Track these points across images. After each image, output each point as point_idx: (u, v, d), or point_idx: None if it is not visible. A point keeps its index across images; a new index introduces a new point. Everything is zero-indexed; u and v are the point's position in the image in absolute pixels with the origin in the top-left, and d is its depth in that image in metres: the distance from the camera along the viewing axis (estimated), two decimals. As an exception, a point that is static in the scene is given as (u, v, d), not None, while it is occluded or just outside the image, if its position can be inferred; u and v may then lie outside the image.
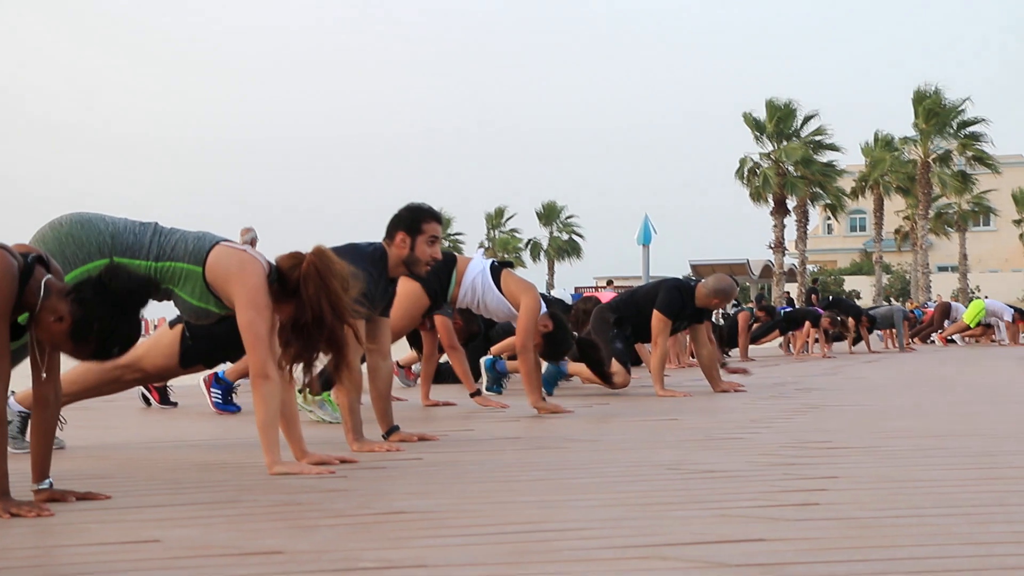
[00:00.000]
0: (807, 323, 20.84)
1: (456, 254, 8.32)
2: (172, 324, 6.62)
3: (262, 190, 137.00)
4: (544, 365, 10.43)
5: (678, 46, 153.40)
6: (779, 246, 57.92)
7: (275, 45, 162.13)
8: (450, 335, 8.78)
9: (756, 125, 57.90)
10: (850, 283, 74.61)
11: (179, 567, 3.19)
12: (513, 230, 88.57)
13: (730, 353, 18.98)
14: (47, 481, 4.33)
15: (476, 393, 8.81)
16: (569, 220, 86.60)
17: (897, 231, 69.28)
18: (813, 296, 35.62)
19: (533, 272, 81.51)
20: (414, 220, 6.45)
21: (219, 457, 5.86)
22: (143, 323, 4.30)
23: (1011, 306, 28.52)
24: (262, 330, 5.03)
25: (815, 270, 74.32)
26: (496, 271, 8.11)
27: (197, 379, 8.48)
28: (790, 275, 59.50)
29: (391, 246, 6.38)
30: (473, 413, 8.56)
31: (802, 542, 3.45)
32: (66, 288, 4.12)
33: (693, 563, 3.15)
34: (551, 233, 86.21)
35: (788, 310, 23.30)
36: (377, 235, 6.49)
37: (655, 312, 10.38)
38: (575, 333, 9.26)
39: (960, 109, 58.72)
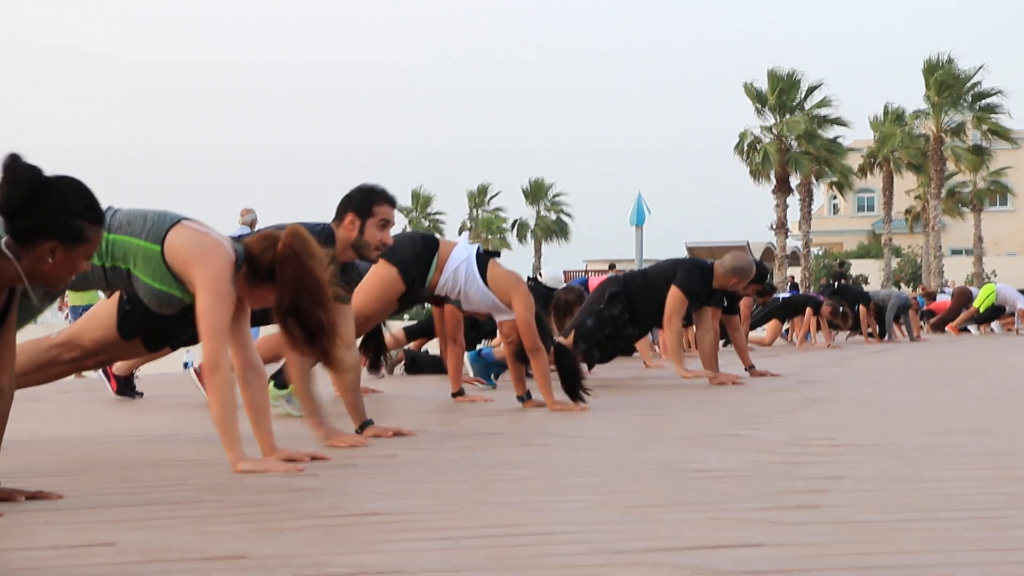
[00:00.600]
0: (808, 310, 20.86)
1: (439, 238, 8.30)
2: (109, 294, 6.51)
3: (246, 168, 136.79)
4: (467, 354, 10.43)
5: (673, 9, 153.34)
6: (781, 227, 57.88)
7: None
8: (456, 328, 8.71)
9: (757, 96, 57.82)
10: (857, 267, 74.59)
11: (135, 572, 3.19)
12: (497, 209, 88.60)
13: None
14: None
15: (459, 393, 8.79)
16: (557, 198, 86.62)
17: (908, 211, 69.35)
18: (842, 280, 35.58)
19: (519, 254, 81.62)
20: (365, 201, 6.46)
21: (180, 454, 5.86)
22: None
23: None
24: (219, 319, 5.01)
25: (820, 253, 74.48)
26: (482, 260, 8.09)
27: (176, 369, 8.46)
28: (793, 258, 59.54)
29: (339, 227, 6.39)
30: (452, 407, 8.57)
31: (802, 547, 3.46)
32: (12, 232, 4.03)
33: (685, 569, 3.16)
34: (538, 212, 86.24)
35: (787, 296, 23.27)
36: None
37: (674, 288, 10.37)
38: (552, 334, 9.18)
39: (975, 80, 58.72)
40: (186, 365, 22.21)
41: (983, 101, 58.76)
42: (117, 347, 6.35)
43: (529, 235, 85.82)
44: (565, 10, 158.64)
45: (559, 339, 9.24)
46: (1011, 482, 4.81)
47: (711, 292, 10.67)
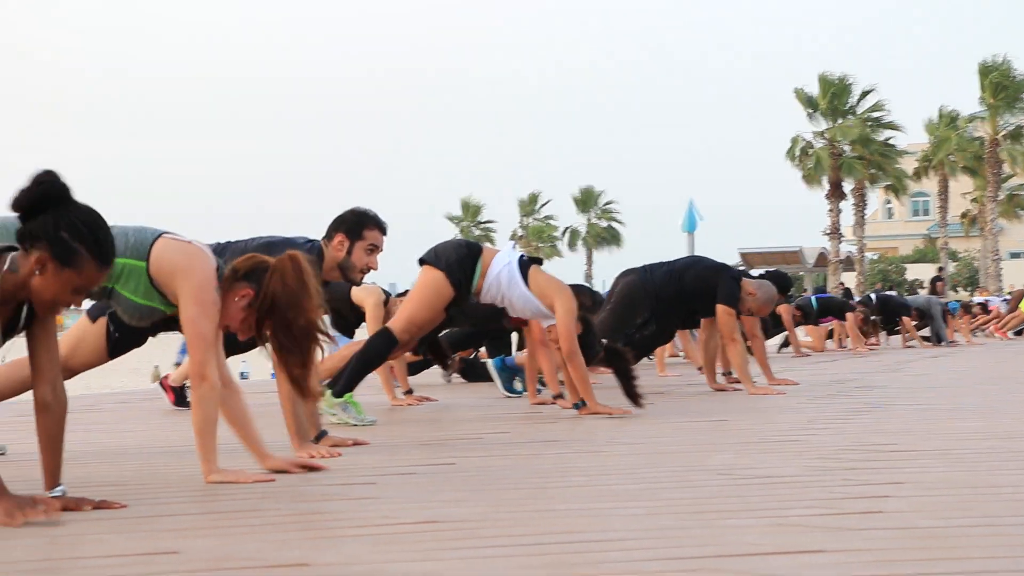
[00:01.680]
0: (847, 315, 20.75)
1: (482, 245, 8.32)
2: (93, 317, 6.50)
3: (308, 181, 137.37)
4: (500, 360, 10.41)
5: (724, 17, 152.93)
6: (835, 232, 57.62)
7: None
8: (572, 342, 8.16)
9: (808, 102, 57.61)
10: (913, 271, 74.15)
11: (199, 581, 3.22)
12: (548, 217, 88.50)
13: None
14: (59, 488, 4.38)
15: (560, 396, 8.66)
16: (608, 206, 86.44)
17: (964, 215, 68.74)
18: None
19: (570, 262, 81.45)
20: (357, 225, 6.59)
21: (239, 463, 5.88)
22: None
23: None
24: (206, 328, 5.04)
25: (874, 258, 74.06)
26: (524, 266, 8.10)
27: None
28: (847, 263, 59.18)
29: (328, 246, 6.47)
30: (509, 414, 8.57)
31: (865, 553, 3.44)
32: (23, 245, 4.09)
33: (748, 576, 3.16)
34: (589, 220, 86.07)
35: (823, 297, 23.01)
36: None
37: (723, 307, 10.30)
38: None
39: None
40: (243, 375, 22.32)
41: (1041, 102, 58.21)
42: (98, 365, 6.39)
43: (580, 243, 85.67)
44: (614, 18, 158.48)
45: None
46: (1075, 487, 4.78)
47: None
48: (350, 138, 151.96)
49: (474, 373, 12.47)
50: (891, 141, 57.93)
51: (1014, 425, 7.29)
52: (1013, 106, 58.35)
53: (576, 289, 9.44)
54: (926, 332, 23.02)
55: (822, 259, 59.70)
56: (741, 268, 11.61)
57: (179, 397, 9.28)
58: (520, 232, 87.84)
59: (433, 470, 5.52)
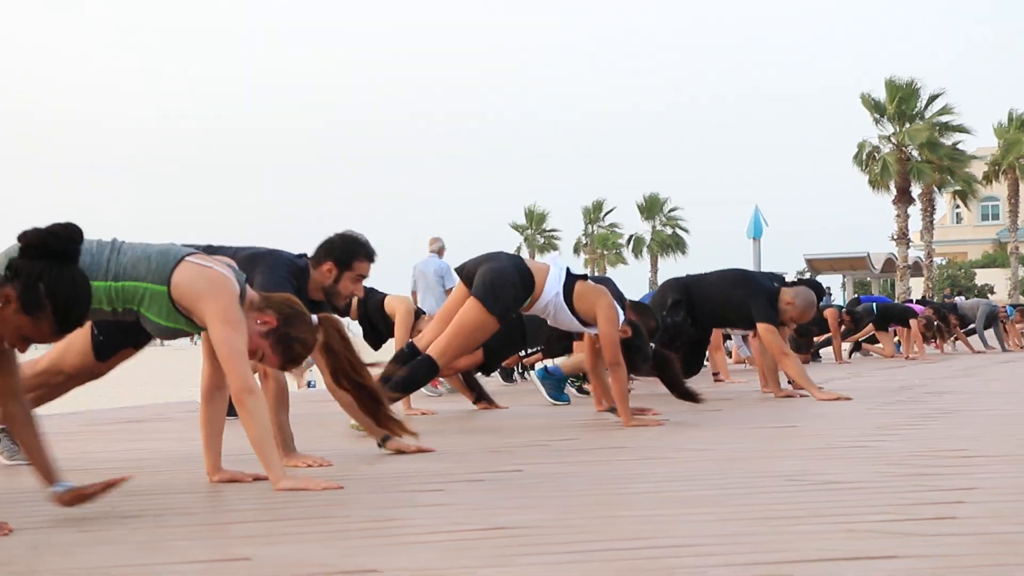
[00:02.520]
0: (911, 322, 20.51)
1: (535, 275, 8.14)
2: None
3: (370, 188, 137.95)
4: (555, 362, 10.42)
5: (788, 22, 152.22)
6: (903, 237, 57.19)
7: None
8: (615, 351, 8.13)
9: (875, 107, 57.26)
10: (982, 276, 73.61)
11: (271, 587, 3.24)
12: (612, 225, 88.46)
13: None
14: (63, 484, 4.45)
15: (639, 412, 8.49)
16: (673, 213, 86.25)
17: (1034, 219, 68.18)
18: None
19: (635, 269, 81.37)
20: (347, 255, 6.60)
21: (309, 471, 5.91)
22: (84, 274, 4.25)
23: None
24: (238, 344, 5.10)
25: (943, 263, 73.47)
26: (569, 285, 8.14)
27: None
28: (915, 269, 58.80)
29: (315, 269, 6.52)
30: (576, 422, 8.57)
31: (939, 559, 3.43)
32: (5, 278, 4.15)
33: (820, 581, 3.15)
34: (654, 227, 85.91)
35: (884, 302, 22.78)
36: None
37: (765, 326, 10.31)
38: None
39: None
40: (310, 384, 22.39)
41: (1111, 104, 57.85)
42: (96, 367, 6.38)
43: (645, 250, 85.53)
44: (676, 27, 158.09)
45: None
46: None
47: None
48: (419, 145, 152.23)
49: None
50: (960, 145, 57.44)
51: (1087, 430, 7.23)
52: (1084, 108, 57.87)
53: (637, 308, 9.44)
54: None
55: (889, 264, 59.32)
56: (781, 274, 11.45)
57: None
58: (584, 240, 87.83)
59: (501, 477, 5.53)
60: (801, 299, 10.49)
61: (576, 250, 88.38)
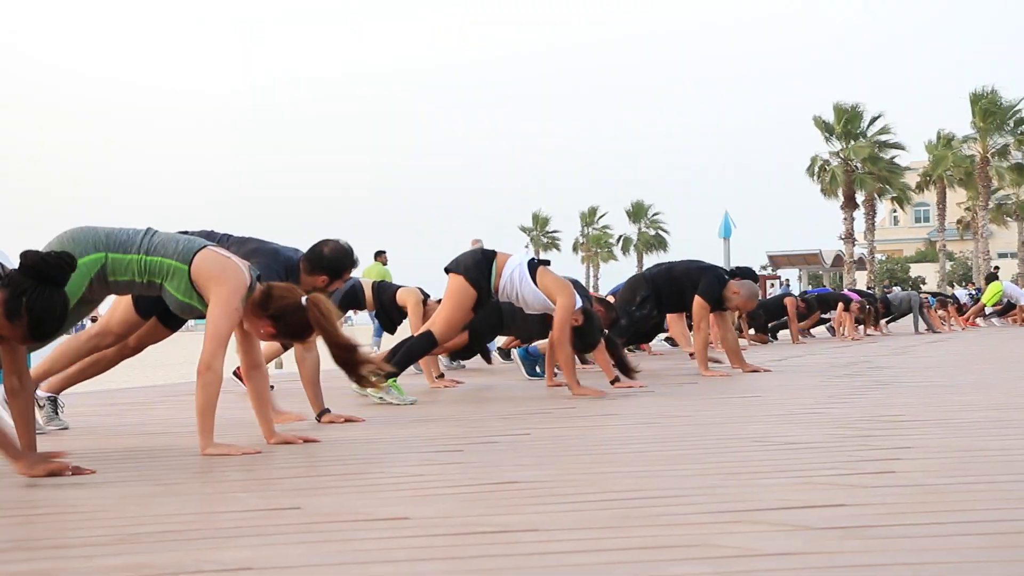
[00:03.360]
0: (840, 305, 20.63)
1: (496, 251, 8.26)
2: None
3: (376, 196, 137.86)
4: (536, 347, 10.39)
5: (753, 55, 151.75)
6: (849, 237, 57.26)
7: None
8: (563, 331, 8.05)
9: (825, 127, 57.30)
10: (915, 270, 73.51)
11: (317, 531, 3.22)
12: (605, 227, 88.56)
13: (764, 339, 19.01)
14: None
15: (615, 380, 8.58)
16: (656, 217, 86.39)
17: (959, 221, 68.12)
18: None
19: (624, 265, 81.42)
20: (339, 269, 6.77)
21: (347, 434, 5.91)
22: (66, 298, 4.33)
23: None
24: (223, 328, 5.10)
25: (883, 259, 73.41)
26: (533, 267, 8.14)
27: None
28: (860, 263, 58.80)
29: (308, 276, 6.63)
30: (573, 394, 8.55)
31: (880, 507, 3.41)
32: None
33: (780, 527, 3.13)
34: (639, 229, 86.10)
35: (822, 292, 22.75)
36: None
37: (698, 298, 10.32)
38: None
39: (1016, 108, 57.95)
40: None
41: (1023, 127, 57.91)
42: (140, 327, 6.33)
43: (632, 249, 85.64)
44: (662, 63, 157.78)
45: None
46: (1060, 450, 4.70)
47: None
48: (442, 159, 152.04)
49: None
50: (896, 159, 57.55)
51: (1003, 399, 7.20)
52: (1000, 129, 58.05)
53: (600, 301, 9.70)
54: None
55: (838, 260, 59.31)
56: (748, 267, 11.49)
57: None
58: (581, 240, 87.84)
59: (512, 439, 5.51)
60: (746, 289, 10.52)
61: (575, 248, 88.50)
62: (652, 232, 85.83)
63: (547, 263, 8.30)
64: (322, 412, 6.43)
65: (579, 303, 8.30)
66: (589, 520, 3.31)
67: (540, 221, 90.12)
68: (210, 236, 6.83)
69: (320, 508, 3.59)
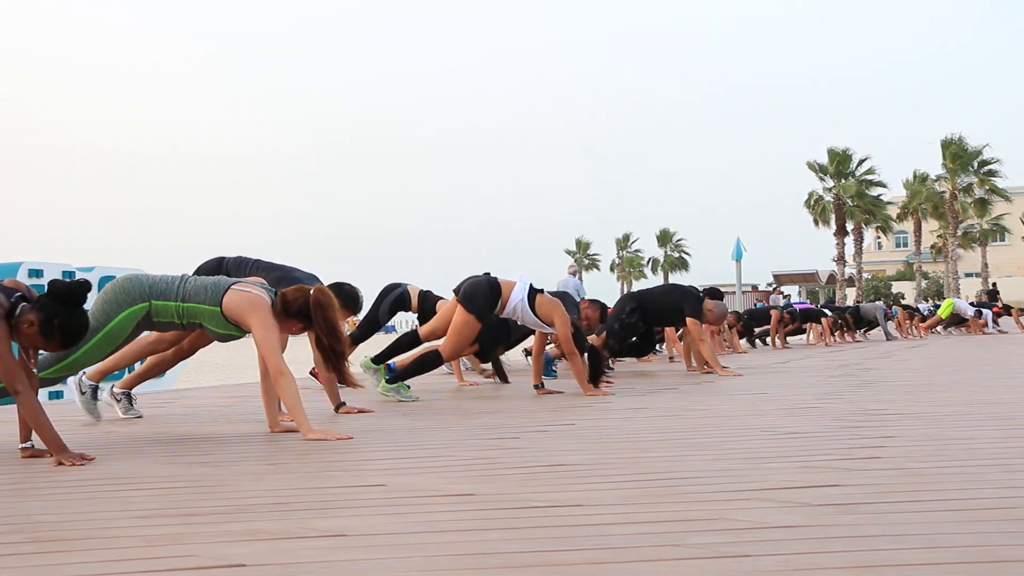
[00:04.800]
0: (822, 320, 20.54)
1: (502, 284, 7.97)
2: None
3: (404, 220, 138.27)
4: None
5: (760, 110, 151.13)
6: (841, 259, 56.89)
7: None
8: (570, 344, 8.04)
9: (820, 168, 57.07)
10: (896, 287, 72.86)
11: (399, 504, 3.22)
12: (637, 250, 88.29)
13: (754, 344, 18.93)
14: (29, 443, 4.62)
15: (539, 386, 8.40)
16: (680, 242, 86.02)
17: (932, 246, 67.46)
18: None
19: (652, 283, 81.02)
20: (356, 305, 7.54)
21: (422, 423, 5.91)
22: (86, 313, 4.61)
23: (974, 304, 28.41)
24: (274, 342, 5.21)
25: (869, 277, 72.73)
26: (532, 295, 8.00)
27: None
28: (850, 281, 58.36)
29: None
30: (610, 391, 8.50)
31: (869, 487, 3.36)
32: (32, 306, 4.50)
33: (785, 504, 3.09)
34: (666, 252, 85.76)
35: (803, 307, 22.52)
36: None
37: (692, 320, 10.52)
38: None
39: (980, 152, 57.63)
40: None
41: (985, 168, 57.69)
42: (189, 335, 6.34)
43: (659, 269, 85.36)
44: (685, 116, 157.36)
45: (591, 340, 9.59)
46: (1021, 439, 4.61)
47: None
48: (497, 189, 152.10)
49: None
50: (880, 195, 57.17)
51: (971, 396, 7.09)
52: (965, 169, 57.80)
53: (592, 302, 9.76)
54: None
55: (831, 278, 58.96)
56: (711, 288, 11.63)
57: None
58: (617, 261, 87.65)
59: (560, 428, 5.49)
60: (718, 307, 10.81)
61: (611, 268, 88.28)
62: (676, 255, 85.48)
63: (542, 291, 8.15)
64: (339, 405, 6.59)
65: (570, 319, 8.17)
66: (625, 497, 3.29)
67: (583, 245, 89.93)
68: (243, 262, 6.79)
69: (402, 485, 3.59)
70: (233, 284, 5.32)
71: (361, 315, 9.33)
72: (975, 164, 57.72)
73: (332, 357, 5.29)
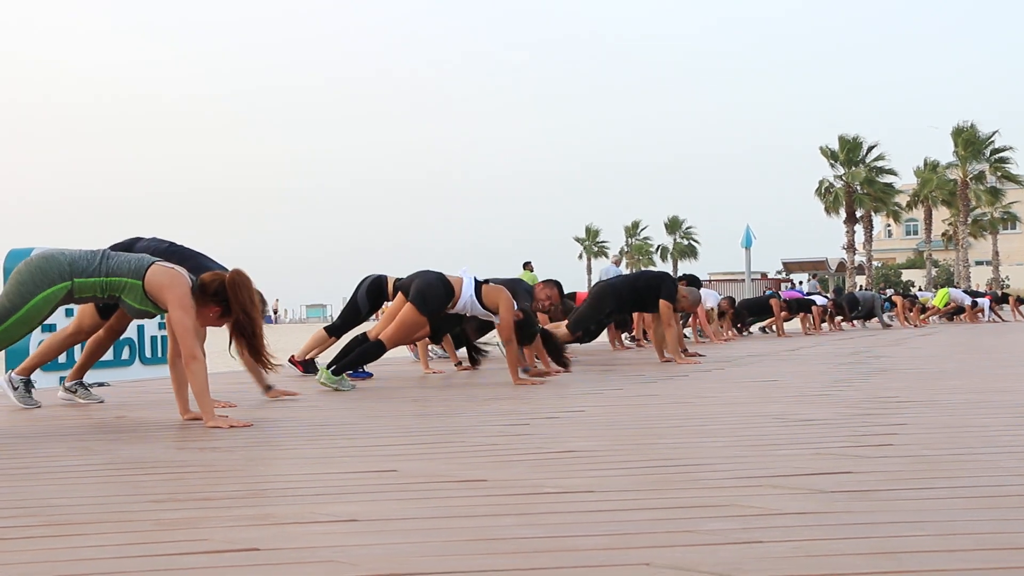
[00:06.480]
0: (812, 308, 20.52)
1: (454, 285, 7.98)
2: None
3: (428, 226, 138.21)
4: None
5: (772, 96, 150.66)
6: (850, 247, 56.73)
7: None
8: (509, 332, 8.01)
9: (831, 155, 56.85)
10: (906, 275, 72.68)
11: (411, 490, 3.22)
12: (646, 238, 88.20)
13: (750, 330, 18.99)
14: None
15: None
16: (688, 229, 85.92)
17: (943, 234, 67.42)
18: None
19: (661, 270, 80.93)
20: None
21: (433, 409, 5.92)
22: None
23: (969, 293, 28.41)
24: (189, 323, 5.19)
25: (879, 265, 72.62)
26: (478, 287, 8.03)
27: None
28: (859, 269, 58.29)
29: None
30: (618, 376, 8.50)
31: (881, 474, 3.36)
32: None
33: (796, 490, 3.09)
34: (675, 240, 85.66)
35: (793, 295, 22.49)
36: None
37: (665, 302, 10.60)
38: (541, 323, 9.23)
39: (991, 139, 57.35)
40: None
41: (997, 155, 57.33)
42: (107, 321, 6.47)
43: (668, 256, 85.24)
44: (695, 103, 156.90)
45: (547, 327, 9.81)
46: (1033, 427, 4.61)
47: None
48: (505, 176, 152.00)
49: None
50: (890, 182, 56.96)
51: (982, 383, 7.08)
52: (977, 157, 57.50)
53: (546, 282, 9.84)
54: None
55: (841, 266, 58.89)
56: (689, 275, 11.77)
57: (307, 367, 9.22)
58: (626, 249, 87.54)
59: (569, 415, 5.49)
60: (691, 294, 10.94)
61: (620, 255, 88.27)
62: (685, 242, 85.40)
63: (486, 282, 8.17)
64: (267, 387, 6.84)
65: (515, 305, 8.17)
66: (636, 483, 3.29)
67: (592, 233, 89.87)
68: (160, 244, 6.72)
69: (413, 471, 3.59)
70: (157, 261, 5.36)
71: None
72: (987, 151, 57.47)
73: (249, 338, 5.29)
